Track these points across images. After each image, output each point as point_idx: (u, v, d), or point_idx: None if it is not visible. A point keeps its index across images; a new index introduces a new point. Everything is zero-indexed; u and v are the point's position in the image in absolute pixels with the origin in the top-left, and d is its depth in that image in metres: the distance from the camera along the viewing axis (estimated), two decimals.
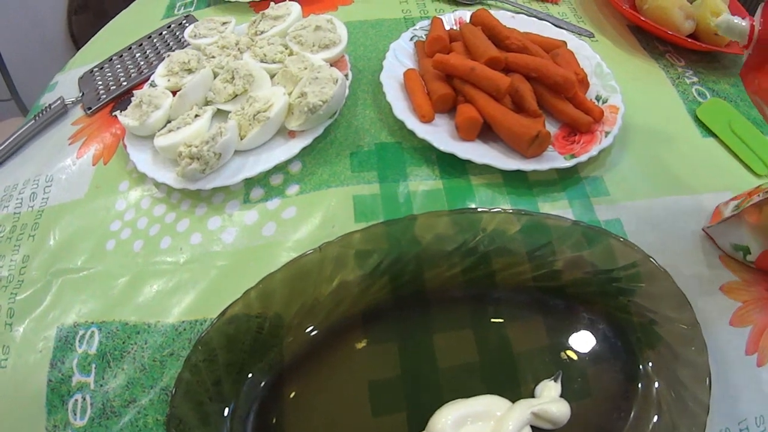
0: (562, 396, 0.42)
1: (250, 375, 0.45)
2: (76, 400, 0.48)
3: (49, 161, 0.63)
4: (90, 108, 0.65)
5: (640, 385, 0.43)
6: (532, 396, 0.42)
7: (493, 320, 0.46)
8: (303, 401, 0.44)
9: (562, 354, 0.44)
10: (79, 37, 1.38)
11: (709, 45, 0.67)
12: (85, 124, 0.65)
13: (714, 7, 0.69)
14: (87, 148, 0.62)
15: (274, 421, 0.44)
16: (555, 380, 0.42)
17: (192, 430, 0.43)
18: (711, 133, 0.60)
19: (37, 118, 0.65)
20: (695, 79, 0.67)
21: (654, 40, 0.72)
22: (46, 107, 0.66)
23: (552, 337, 0.45)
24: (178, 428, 0.43)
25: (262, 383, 0.45)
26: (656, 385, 0.42)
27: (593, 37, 0.71)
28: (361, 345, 0.46)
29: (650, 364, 0.43)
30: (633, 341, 0.44)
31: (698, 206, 0.53)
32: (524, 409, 0.40)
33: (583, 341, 0.45)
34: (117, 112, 0.58)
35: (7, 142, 0.65)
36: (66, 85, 0.72)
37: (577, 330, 0.45)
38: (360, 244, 0.47)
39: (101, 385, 0.48)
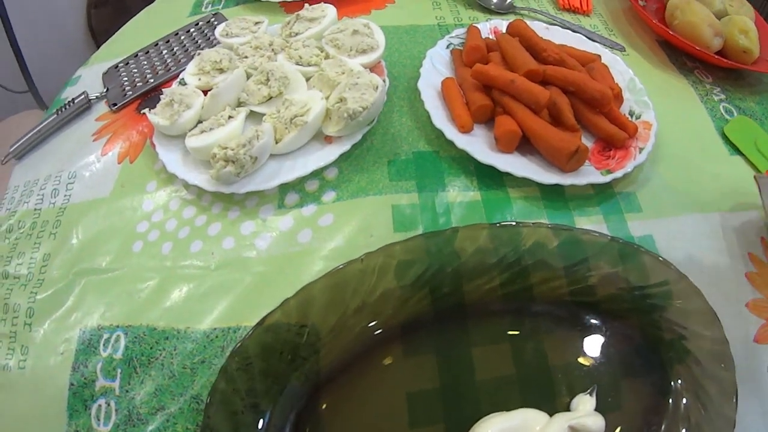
0: (596, 410, 0.42)
1: (286, 385, 0.44)
2: (100, 406, 0.47)
3: (72, 157, 0.61)
4: (115, 104, 0.63)
5: (670, 401, 0.43)
6: (568, 409, 0.42)
7: (530, 334, 0.46)
8: (340, 412, 0.44)
9: (597, 368, 0.44)
10: (98, 31, 1.36)
11: (736, 62, 0.68)
12: (110, 121, 0.63)
13: (741, 25, 0.70)
14: (112, 146, 0.60)
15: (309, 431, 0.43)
16: (590, 394, 0.43)
17: None
18: (738, 151, 0.60)
19: (59, 112, 0.64)
20: (722, 96, 0.67)
21: (683, 56, 0.72)
22: (69, 101, 0.64)
23: (587, 351, 0.46)
24: None
25: (299, 394, 0.44)
26: (684, 401, 0.43)
27: (624, 50, 0.71)
28: (399, 356, 0.45)
29: (680, 379, 0.43)
30: (664, 357, 0.45)
31: (725, 224, 0.53)
32: (562, 422, 0.40)
33: (616, 356, 0.45)
34: (146, 110, 0.57)
35: (28, 136, 0.63)
36: (90, 79, 0.70)
37: (611, 345, 0.46)
38: (401, 255, 0.46)
39: (127, 391, 0.47)
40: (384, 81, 0.56)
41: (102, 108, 0.65)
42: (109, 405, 0.47)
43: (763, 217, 0.53)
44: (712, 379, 0.43)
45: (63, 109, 0.64)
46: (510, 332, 0.46)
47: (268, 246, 0.50)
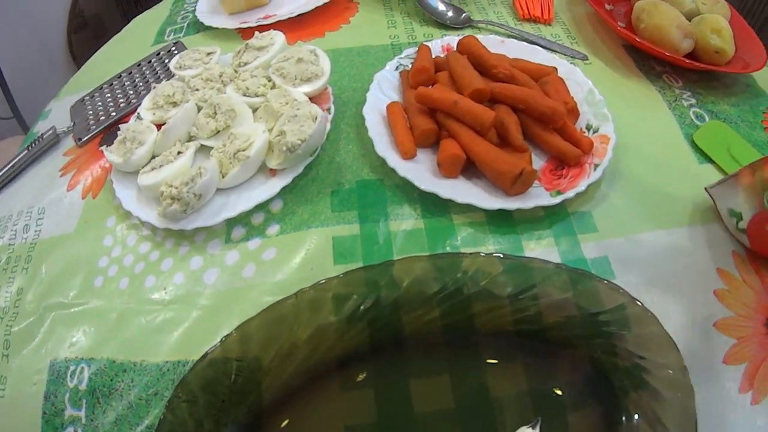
0: None
1: (229, 416, 0.46)
2: None
3: (41, 192, 0.64)
4: (80, 139, 0.66)
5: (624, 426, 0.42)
6: None
7: (471, 365, 0.46)
8: None
9: (542, 400, 0.43)
10: (78, 55, 1.38)
11: (708, 65, 0.65)
12: (75, 156, 0.66)
13: (714, 24, 0.67)
14: (77, 181, 0.63)
15: None
16: (533, 427, 0.41)
17: None
18: (708, 158, 0.58)
19: (30, 147, 0.67)
20: (693, 101, 0.65)
21: (651, 60, 0.69)
22: (39, 137, 0.67)
23: (532, 381, 0.44)
24: None
25: (242, 425, 0.46)
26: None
27: (587, 59, 0.69)
28: (336, 390, 0.46)
29: (635, 412, 0.41)
30: (617, 386, 0.43)
31: (693, 239, 0.51)
32: None
33: (565, 387, 0.44)
34: (104, 147, 0.59)
35: (1, 172, 0.66)
36: (59, 112, 0.73)
37: (558, 374, 0.45)
38: (337, 289, 0.48)
39: (92, 420, 0.50)
40: (329, 109, 0.57)
41: (69, 142, 0.68)
42: None
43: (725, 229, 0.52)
44: (669, 408, 0.41)
45: (33, 145, 0.66)
46: (450, 364, 0.46)
47: (215, 281, 0.52)
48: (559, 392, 0.44)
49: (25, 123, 1.17)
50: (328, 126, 0.56)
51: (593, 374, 0.44)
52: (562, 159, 0.54)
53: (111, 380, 0.50)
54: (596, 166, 0.52)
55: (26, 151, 0.67)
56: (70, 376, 0.52)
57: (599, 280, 0.45)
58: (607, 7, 0.73)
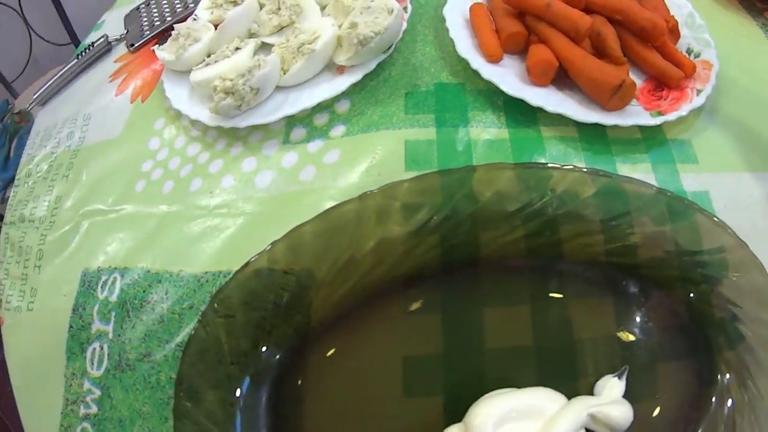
0: (624, 396, 0.35)
1: (270, 337, 0.39)
2: (94, 349, 0.45)
3: (89, 99, 0.60)
4: (133, 44, 0.61)
5: (713, 397, 0.35)
6: (591, 393, 0.36)
7: (554, 297, 0.39)
8: (329, 371, 0.39)
9: (630, 346, 0.37)
10: None
11: None
12: (127, 61, 0.61)
13: None
14: (126, 86, 0.58)
15: (292, 388, 0.38)
16: (619, 377, 0.35)
17: (202, 393, 0.38)
18: None
19: (80, 56, 0.63)
20: None
21: None
22: (89, 45, 0.63)
23: (620, 323, 0.38)
24: (188, 390, 0.38)
25: (284, 348, 0.39)
26: (730, 402, 0.35)
27: None
28: (399, 314, 0.39)
29: (728, 372, 0.36)
30: (712, 340, 0.37)
31: None
32: (580, 409, 0.33)
33: (656, 333, 0.38)
34: (156, 47, 0.54)
35: (51, 82, 0.63)
36: (113, 23, 0.69)
37: (650, 319, 0.38)
38: (408, 196, 0.40)
39: (119, 335, 0.44)
40: (405, 7, 0.50)
41: (122, 50, 0.64)
42: (102, 349, 0.45)
43: None
44: (765, 372, 0.35)
45: (83, 53, 0.62)
46: (531, 293, 0.39)
47: (268, 185, 0.45)
48: (649, 339, 0.38)
49: None
50: (404, 24, 0.49)
51: (688, 324, 0.38)
52: (662, 79, 0.48)
53: (144, 291, 0.45)
54: (698, 91, 0.47)
55: (76, 60, 0.62)
56: (101, 286, 0.47)
57: (705, 213, 0.38)
58: None
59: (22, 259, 0.53)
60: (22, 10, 1.27)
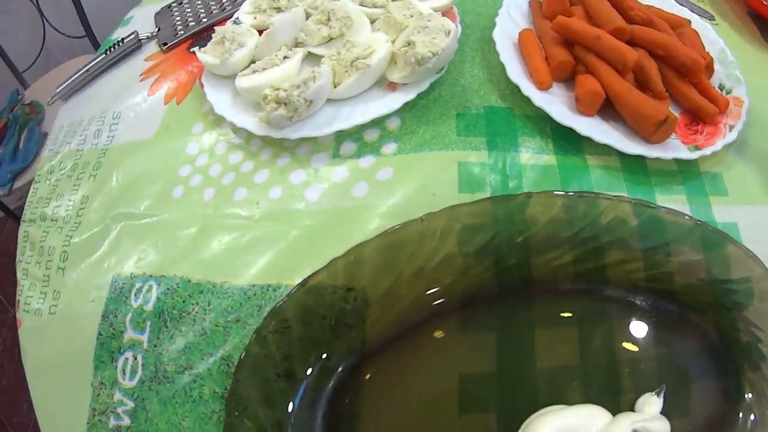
0: (662, 413, 0.37)
1: (325, 354, 0.39)
2: (127, 359, 0.44)
3: (118, 97, 0.58)
4: (165, 43, 0.60)
5: (740, 414, 0.38)
6: (632, 409, 0.38)
7: (599, 319, 0.40)
8: (383, 390, 0.39)
9: (667, 366, 0.39)
10: None
11: None
12: (159, 61, 0.60)
13: None
14: (159, 86, 0.56)
15: (347, 406, 0.38)
16: (658, 395, 0.38)
17: (253, 409, 0.38)
18: None
19: (108, 52, 0.61)
20: None
21: None
22: (118, 41, 0.61)
23: (659, 344, 0.40)
24: (239, 405, 0.38)
25: (340, 365, 0.39)
26: (753, 417, 0.37)
27: (714, 19, 0.62)
28: (455, 332, 0.40)
29: (751, 391, 0.38)
30: (738, 362, 0.39)
31: None
32: (626, 424, 0.36)
33: (689, 355, 0.40)
34: (196, 49, 0.53)
35: (75, 76, 0.61)
36: (141, 20, 0.67)
37: (685, 341, 0.40)
38: (467, 219, 0.40)
39: (155, 346, 0.43)
40: (456, 27, 0.50)
41: (152, 48, 0.62)
42: (136, 359, 0.44)
43: None
44: None
45: (112, 49, 0.61)
46: (578, 316, 0.40)
47: (319, 198, 0.45)
48: (685, 359, 0.40)
49: (98, 42, 1.15)
50: (456, 45, 0.49)
51: (718, 345, 0.40)
52: (698, 114, 0.50)
53: (183, 302, 0.44)
54: (731, 127, 0.49)
55: (103, 56, 0.61)
56: (135, 294, 0.46)
57: (737, 244, 0.40)
58: None
59: (43, 259, 0.51)
60: (38, 2, 1.24)
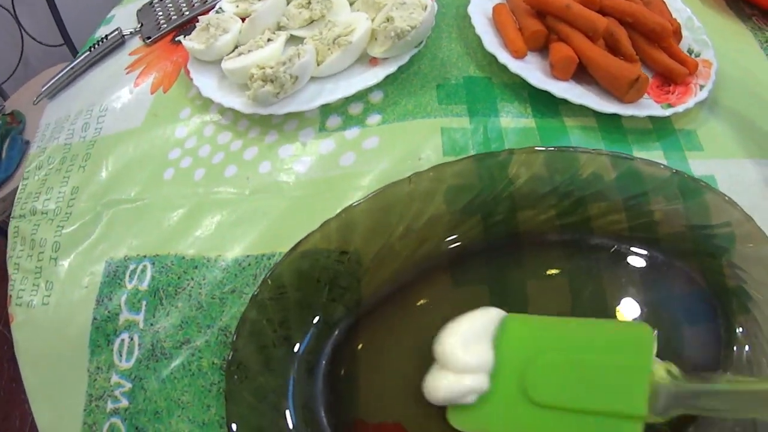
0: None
1: (323, 317, 0.40)
2: (123, 340, 0.44)
3: (104, 91, 0.59)
4: (149, 37, 0.61)
5: (734, 350, 0.38)
6: None
7: (588, 267, 0.41)
8: (380, 347, 0.39)
9: (658, 312, 0.39)
10: None
11: None
12: (144, 54, 0.61)
13: None
14: (145, 77, 0.57)
15: (344, 371, 0.39)
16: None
17: (254, 376, 0.38)
18: None
19: (92, 49, 0.62)
20: None
21: (740, 1, 0.65)
22: (102, 38, 0.62)
23: (648, 292, 0.40)
24: (239, 373, 0.38)
25: (337, 327, 0.40)
26: (747, 348, 0.38)
27: None
28: (447, 287, 0.41)
29: (743, 328, 0.38)
30: (727, 306, 0.39)
31: None
32: None
33: (678, 300, 0.40)
34: (181, 37, 0.54)
35: (60, 74, 0.61)
36: (123, 18, 0.68)
37: (673, 287, 0.41)
38: (452, 178, 0.42)
39: (151, 324, 0.43)
40: (432, 2, 0.52)
41: (136, 43, 0.63)
42: (132, 339, 0.43)
43: None
44: None
45: (96, 46, 0.61)
46: (568, 265, 0.41)
47: (308, 170, 0.46)
48: (674, 306, 0.40)
49: (76, 50, 1.15)
50: (434, 21, 0.51)
51: (707, 290, 0.40)
52: (669, 76, 0.52)
53: (178, 278, 0.44)
54: (701, 86, 0.51)
55: (88, 53, 0.61)
56: (130, 276, 0.46)
57: (715, 191, 0.42)
58: None
59: (35, 252, 0.51)
60: (14, 11, 1.25)
